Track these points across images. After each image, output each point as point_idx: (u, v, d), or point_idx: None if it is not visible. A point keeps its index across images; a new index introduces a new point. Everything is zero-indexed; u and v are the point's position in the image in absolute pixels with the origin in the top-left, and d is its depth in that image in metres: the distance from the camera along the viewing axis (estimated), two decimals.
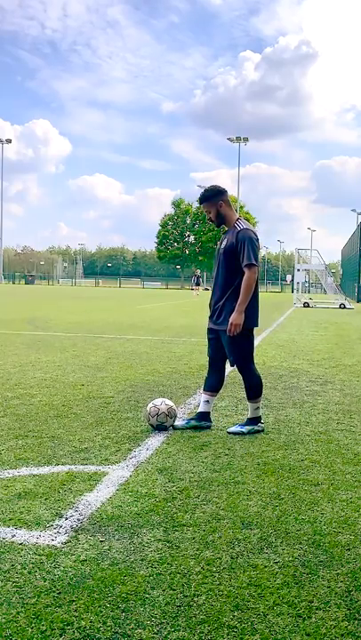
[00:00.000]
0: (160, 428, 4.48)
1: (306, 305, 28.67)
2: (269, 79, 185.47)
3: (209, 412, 4.68)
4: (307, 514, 2.96)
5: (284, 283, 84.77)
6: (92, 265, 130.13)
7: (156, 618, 2.04)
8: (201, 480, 3.40)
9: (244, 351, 4.51)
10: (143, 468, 3.60)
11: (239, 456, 3.88)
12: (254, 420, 4.56)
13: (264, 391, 6.18)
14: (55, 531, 2.70)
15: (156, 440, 4.23)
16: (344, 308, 27.69)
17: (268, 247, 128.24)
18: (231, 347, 4.45)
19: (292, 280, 40.76)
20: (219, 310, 4.50)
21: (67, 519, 2.82)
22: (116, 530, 2.72)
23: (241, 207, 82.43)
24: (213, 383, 4.67)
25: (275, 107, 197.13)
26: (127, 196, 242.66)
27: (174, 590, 2.22)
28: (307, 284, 51.86)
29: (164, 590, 2.21)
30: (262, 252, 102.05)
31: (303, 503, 3.11)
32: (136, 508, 2.97)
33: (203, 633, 1.96)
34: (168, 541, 2.62)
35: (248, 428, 4.51)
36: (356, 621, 2.06)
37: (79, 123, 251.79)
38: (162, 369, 7.46)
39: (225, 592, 2.21)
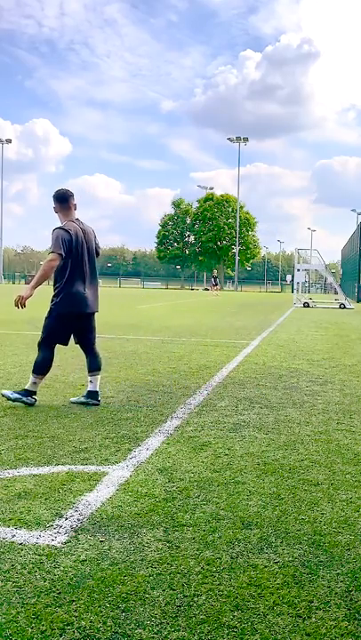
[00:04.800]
0: None
1: (306, 305, 28.67)
2: (270, 78, 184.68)
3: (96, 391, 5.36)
4: (307, 514, 2.97)
5: (284, 283, 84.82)
6: None
7: (156, 618, 2.04)
8: (201, 480, 3.40)
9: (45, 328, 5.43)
10: (143, 468, 3.60)
11: (239, 456, 3.88)
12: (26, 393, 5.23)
13: (264, 391, 6.19)
14: (55, 531, 2.70)
15: (156, 440, 4.23)
16: (344, 308, 27.70)
17: (268, 247, 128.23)
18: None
19: (292, 280, 40.78)
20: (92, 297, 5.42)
21: (67, 519, 2.82)
22: (116, 530, 2.72)
23: (241, 207, 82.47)
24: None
25: (275, 106, 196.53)
26: (127, 195, 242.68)
27: (174, 590, 2.22)
28: (307, 284, 51.84)
29: (164, 590, 2.21)
30: (262, 252, 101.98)
31: (303, 503, 3.11)
32: (136, 508, 2.97)
33: (203, 633, 1.96)
34: (168, 541, 2.62)
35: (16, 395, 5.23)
36: (356, 621, 2.06)
37: (78, 122, 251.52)
38: (162, 369, 7.46)
39: (225, 592, 2.21)
